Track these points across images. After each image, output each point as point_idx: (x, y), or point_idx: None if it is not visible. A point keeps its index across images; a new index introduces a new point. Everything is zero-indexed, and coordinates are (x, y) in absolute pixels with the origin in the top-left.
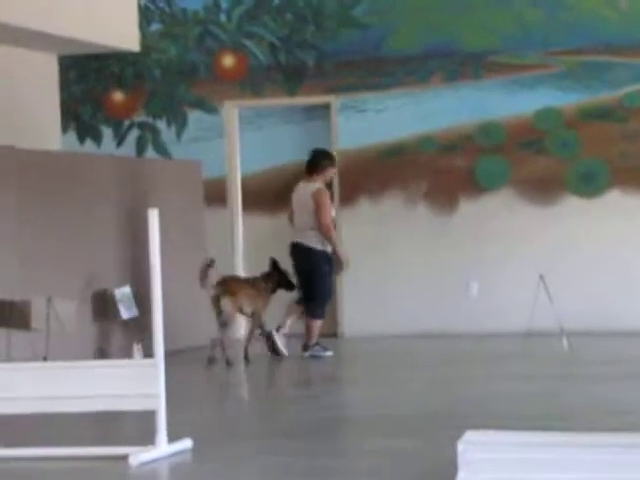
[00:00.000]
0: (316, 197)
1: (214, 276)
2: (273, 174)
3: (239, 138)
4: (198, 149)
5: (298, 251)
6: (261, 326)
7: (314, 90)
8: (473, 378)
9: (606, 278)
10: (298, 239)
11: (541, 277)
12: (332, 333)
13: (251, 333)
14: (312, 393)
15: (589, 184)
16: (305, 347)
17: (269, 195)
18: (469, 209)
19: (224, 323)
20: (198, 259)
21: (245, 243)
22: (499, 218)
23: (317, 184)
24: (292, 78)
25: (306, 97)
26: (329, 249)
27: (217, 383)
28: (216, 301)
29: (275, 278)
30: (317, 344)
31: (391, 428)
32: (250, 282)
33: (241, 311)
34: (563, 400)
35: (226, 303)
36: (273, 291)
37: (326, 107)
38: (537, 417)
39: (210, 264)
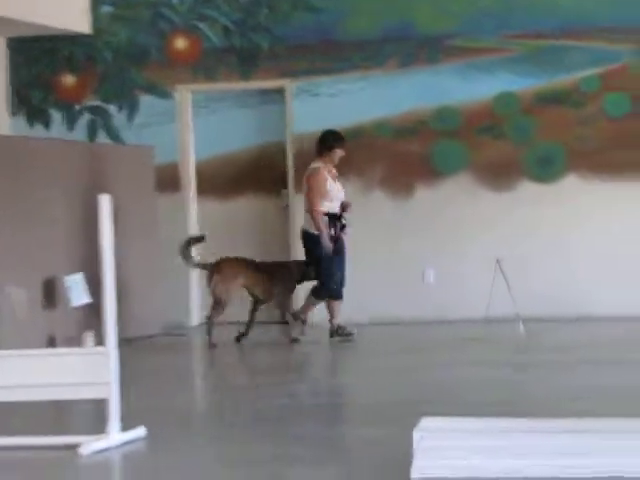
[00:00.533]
0: (307, 178)
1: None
2: (227, 159)
3: (192, 123)
4: (150, 134)
5: (302, 236)
6: (289, 311)
7: (268, 74)
8: (436, 365)
9: (563, 264)
10: (303, 223)
11: (498, 262)
12: (278, 320)
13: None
14: (276, 381)
15: (546, 169)
16: (330, 332)
17: (223, 181)
18: (426, 195)
19: (213, 303)
20: (151, 245)
21: (199, 230)
22: (456, 204)
23: (315, 165)
24: (246, 62)
25: (260, 81)
26: (332, 231)
27: (175, 371)
28: (209, 280)
29: (299, 267)
30: (340, 325)
31: (356, 416)
32: (254, 266)
33: (252, 295)
34: (522, 387)
35: (215, 283)
36: (298, 281)
37: (281, 91)
38: (498, 403)
39: (199, 239)
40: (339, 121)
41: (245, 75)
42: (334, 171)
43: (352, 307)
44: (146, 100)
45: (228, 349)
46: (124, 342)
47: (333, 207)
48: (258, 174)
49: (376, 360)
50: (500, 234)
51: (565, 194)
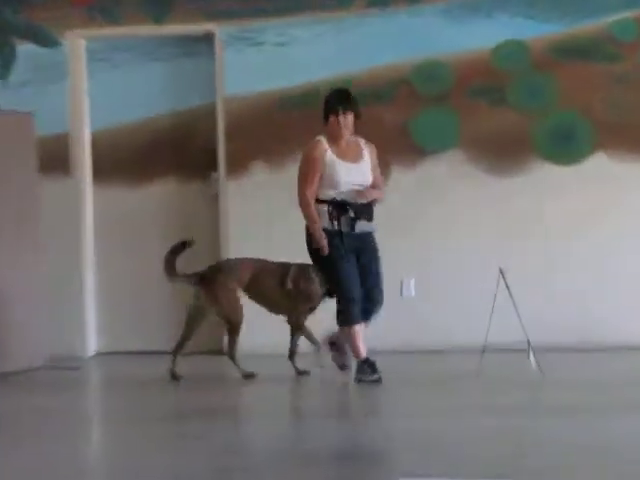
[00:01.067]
0: (301, 159)
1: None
2: (135, 131)
3: (87, 81)
4: (31, 96)
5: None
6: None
7: (190, 16)
8: (418, 409)
9: (589, 276)
10: None
11: (501, 272)
12: (217, 349)
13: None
14: (184, 431)
15: (566, 146)
16: (354, 374)
17: (130, 160)
18: (404, 179)
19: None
20: (31, 250)
21: (97, 224)
22: (444, 191)
23: (314, 140)
24: None
25: (179, 25)
26: (335, 225)
27: (56, 415)
28: (197, 298)
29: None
30: (364, 362)
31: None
32: (263, 267)
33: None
34: (532, 438)
35: (208, 300)
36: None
37: (207, 39)
38: (495, 459)
39: (186, 245)
40: (287, 80)
41: (158, 17)
42: (353, 145)
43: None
44: (25, 50)
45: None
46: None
47: (341, 195)
48: (178, 151)
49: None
50: (504, 233)
51: (591, 180)
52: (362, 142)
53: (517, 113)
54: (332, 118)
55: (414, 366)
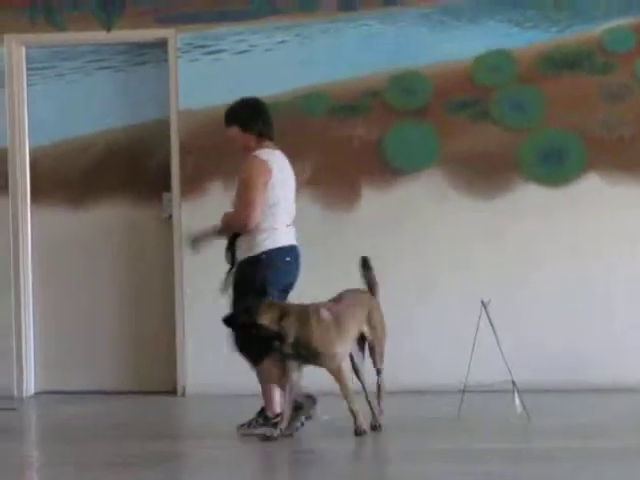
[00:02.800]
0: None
1: None
2: (80, 147)
3: (27, 91)
4: None
5: None
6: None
7: (141, 21)
8: (390, 455)
9: (581, 308)
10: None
11: (483, 305)
12: (169, 389)
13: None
14: None
15: (554, 166)
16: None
17: (75, 179)
18: (376, 201)
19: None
20: None
21: (36, 249)
22: (421, 216)
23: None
24: (108, 2)
25: (129, 30)
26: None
27: None
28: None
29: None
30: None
31: None
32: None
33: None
34: None
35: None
36: None
37: (160, 46)
38: None
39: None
40: (249, 91)
41: (106, 22)
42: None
43: None
44: None
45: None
46: None
47: None
48: (128, 170)
49: (292, 446)
50: (486, 262)
51: (582, 203)
52: (249, 157)
53: (501, 129)
54: (230, 130)
55: (388, 407)
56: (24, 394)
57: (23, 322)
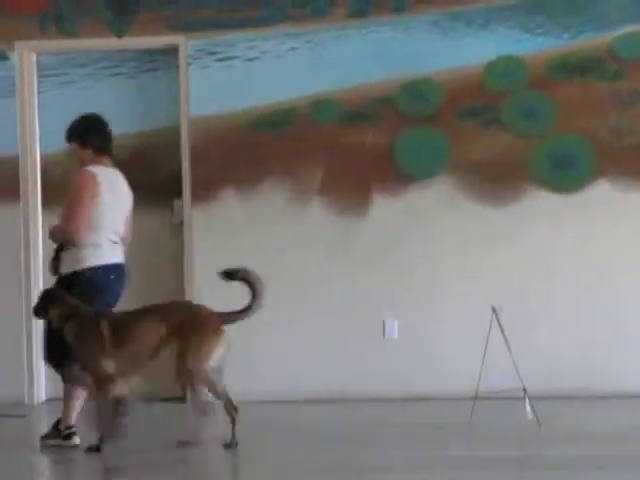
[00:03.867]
0: None
1: None
2: None
3: (37, 98)
4: None
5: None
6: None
7: (152, 27)
8: (399, 463)
9: (592, 315)
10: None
11: (494, 311)
12: (179, 396)
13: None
14: None
15: (565, 172)
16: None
17: None
18: (387, 209)
19: None
20: None
21: (48, 255)
22: (431, 223)
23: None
24: (119, 9)
25: (140, 37)
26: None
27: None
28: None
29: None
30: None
31: None
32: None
33: None
34: None
35: None
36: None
37: (171, 52)
38: None
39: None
40: (259, 99)
41: (117, 28)
42: None
43: (272, 378)
44: None
45: None
46: None
47: None
48: (139, 176)
49: (306, 456)
50: (497, 268)
51: (593, 209)
52: (79, 170)
53: (512, 136)
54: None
55: (398, 415)
56: (35, 401)
57: (34, 329)
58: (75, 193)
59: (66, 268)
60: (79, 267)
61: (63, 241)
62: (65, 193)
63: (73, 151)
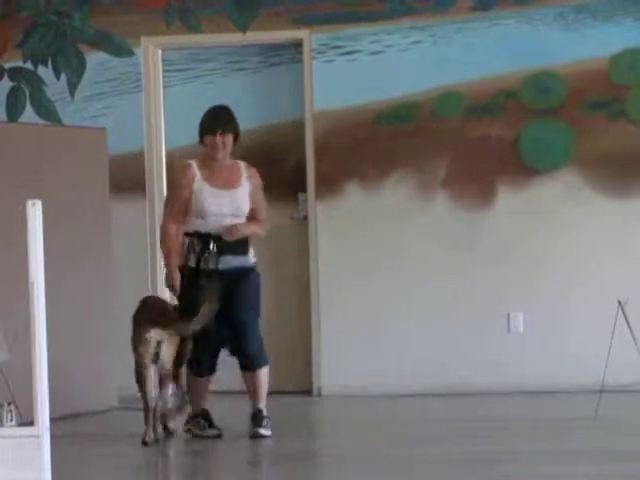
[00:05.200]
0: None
1: None
2: None
3: (163, 93)
4: (101, 110)
5: None
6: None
7: (276, 22)
8: (517, 457)
9: None
10: None
11: (620, 304)
12: (305, 390)
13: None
14: None
15: None
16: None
17: None
18: (512, 202)
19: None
20: (102, 277)
21: None
22: (557, 216)
23: (183, 164)
24: (243, 4)
25: (264, 32)
26: (191, 260)
27: (127, 463)
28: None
29: None
30: (198, 415)
31: None
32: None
33: None
34: None
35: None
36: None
37: (295, 47)
38: None
39: None
40: (383, 92)
41: (241, 23)
42: (229, 169)
43: (396, 370)
44: (96, 60)
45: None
46: (64, 420)
47: (206, 226)
48: (264, 170)
49: (426, 448)
50: (624, 261)
51: None
52: (242, 166)
53: (638, 129)
54: (208, 139)
55: (524, 409)
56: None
57: None
58: (260, 187)
59: (244, 261)
60: (255, 259)
61: (257, 235)
62: (258, 189)
63: (224, 143)
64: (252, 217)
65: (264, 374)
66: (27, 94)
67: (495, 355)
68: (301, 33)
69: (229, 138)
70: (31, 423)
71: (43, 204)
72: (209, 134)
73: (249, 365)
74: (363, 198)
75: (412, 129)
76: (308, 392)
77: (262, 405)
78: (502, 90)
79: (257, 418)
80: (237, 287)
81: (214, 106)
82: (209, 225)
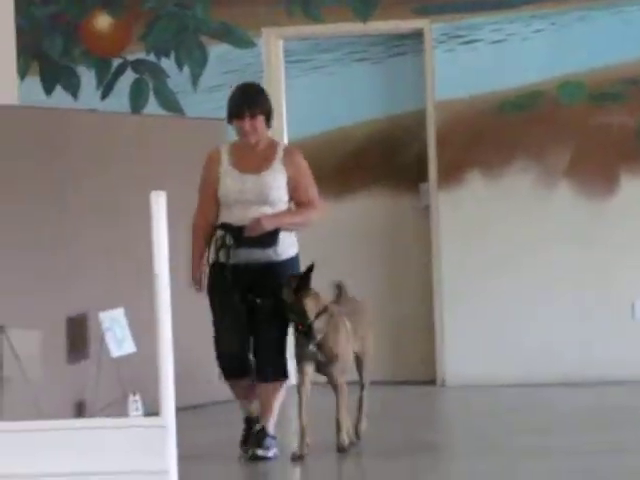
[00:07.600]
0: None
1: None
2: (336, 139)
3: (285, 84)
4: (222, 101)
5: None
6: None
7: (397, 11)
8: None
9: None
10: None
11: None
12: (429, 380)
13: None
14: None
15: None
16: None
17: (332, 171)
18: (636, 189)
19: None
20: None
21: None
22: None
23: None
24: None
25: (385, 21)
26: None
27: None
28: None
29: None
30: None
31: None
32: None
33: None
34: None
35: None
36: None
37: (416, 37)
38: None
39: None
40: (505, 82)
41: (362, 13)
42: (264, 152)
43: (522, 359)
44: (218, 51)
45: None
46: (186, 410)
47: (229, 216)
48: (386, 160)
49: (560, 437)
50: None
51: None
52: (280, 148)
53: None
54: (236, 124)
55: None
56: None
57: None
58: (309, 171)
59: (284, 251)
60: (295, 250)
61: (305, 226)
62: (303, 173)
63: (254, 126)
64: (298, 203)
65: (275, 389)
66: (150, 86)
67: (618, 344)
68: (421, 23)
69: (259, 120)
70: (156, 414)
71: (169, 195)
72: (236, 118)
73: (259, 376)
74: (485, 187)
75: (534, 118)
76: (432, 382)
77: (269, 423)
78: (625, 78)
79: (258, 437)
80: (261, 284)
81: (241, 84)
82: (233, 216)
